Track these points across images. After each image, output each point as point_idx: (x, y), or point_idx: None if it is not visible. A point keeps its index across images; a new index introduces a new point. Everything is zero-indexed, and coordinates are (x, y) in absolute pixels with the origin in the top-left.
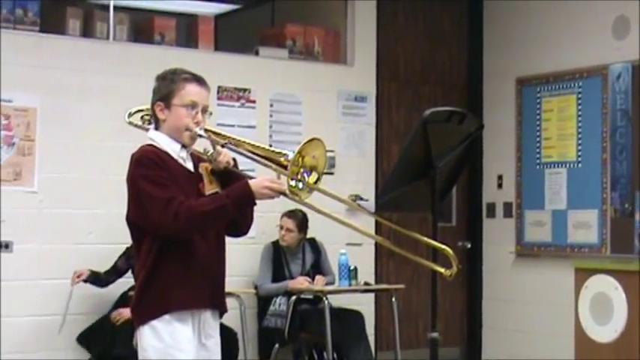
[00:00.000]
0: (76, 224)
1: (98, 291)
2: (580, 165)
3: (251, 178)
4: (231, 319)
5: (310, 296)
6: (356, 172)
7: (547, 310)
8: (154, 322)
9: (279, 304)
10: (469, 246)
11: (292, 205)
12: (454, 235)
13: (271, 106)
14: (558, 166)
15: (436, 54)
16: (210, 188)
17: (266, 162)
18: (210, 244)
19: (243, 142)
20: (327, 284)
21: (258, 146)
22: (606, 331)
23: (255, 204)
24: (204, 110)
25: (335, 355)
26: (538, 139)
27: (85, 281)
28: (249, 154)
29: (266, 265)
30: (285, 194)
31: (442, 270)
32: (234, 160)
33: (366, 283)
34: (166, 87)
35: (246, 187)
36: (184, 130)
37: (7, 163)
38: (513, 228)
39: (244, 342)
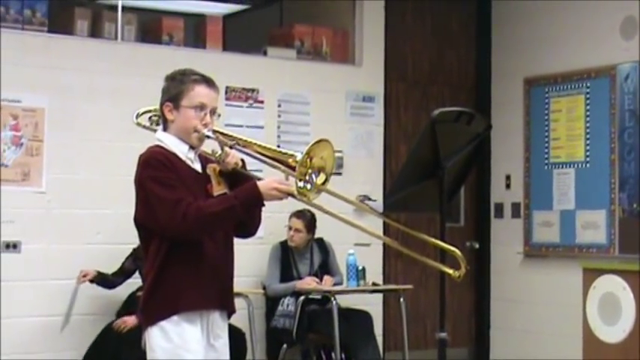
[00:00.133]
0: (84, 224)
1: (106, 292)
2: (588, 165)
3: (259, 179)
4: (239, 319)
5: (318, 296)
6: (364, 172)
7: (555, 311)
8: (163, 323)
9: (287, 304)
10: (477, 246)
11: (300, 206)
12: (462, 236)
13: (279, 106)
14: (566, 167)
15: (444, 54)
16: (218, 189)
17: (274, 163)
18: (218, 245)
19: (252, 143)
20: (335, 284)
21: (267, 147)
22: (614, 332)
23: (263, 205)
24: (213, 112)
25: (343, 356)
26: (546, 139)
27: (92, 282)
28: (257, 155)
29: (274, 265)
30: (293, 195)
31: (450, 271)
32: (242, 161)
33: (374, 284)
34: (175, 88)
35: (255, 189)
36: (192, 132)
37: (15, 163)
38: (521, 228)
39: (252, 342)
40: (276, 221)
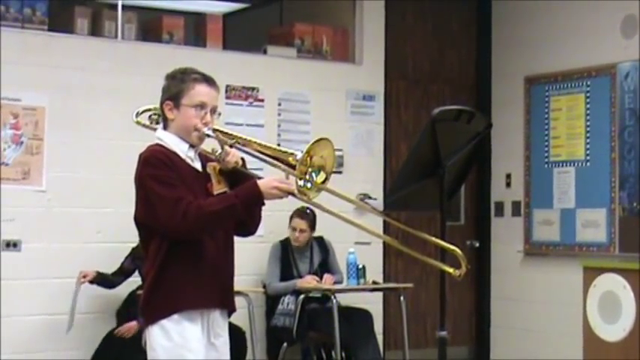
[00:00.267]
0: (85, 223)
1: (105, 291)
2: (588, 164)
3: (259, 177)
4: (239, 318)
5: (318, 295)
6: (364, 171)
7: (555, 309)
8: (164, 322)
9: (288, 302)
10: (477, 245)
11: (300, 204)
12: (462, 234)
13: (279, 105)
14: (567, 165)
15: (445, 53)
16: (218, 188)
17: (274, 162)
18: (218, 244)
19: (252, 141)
20: (335, 283)
21: (267, 146)
22: (615, 330)
23: (263, 204)
24: (213, 111)
25: (343, 354)
26: (546, 138)
27: (92, 283)
28: (258, 154)
29: (274, 263)
30: (293, 194)
31: (451, 270)
32: (242, 159)
33: (375, 282)
34: (176, 86)
35: (255, 187)
36: (193, 131)
37: (15, 162)
38: (522, 227)
39: (253, 341)
40: (276, 220)
